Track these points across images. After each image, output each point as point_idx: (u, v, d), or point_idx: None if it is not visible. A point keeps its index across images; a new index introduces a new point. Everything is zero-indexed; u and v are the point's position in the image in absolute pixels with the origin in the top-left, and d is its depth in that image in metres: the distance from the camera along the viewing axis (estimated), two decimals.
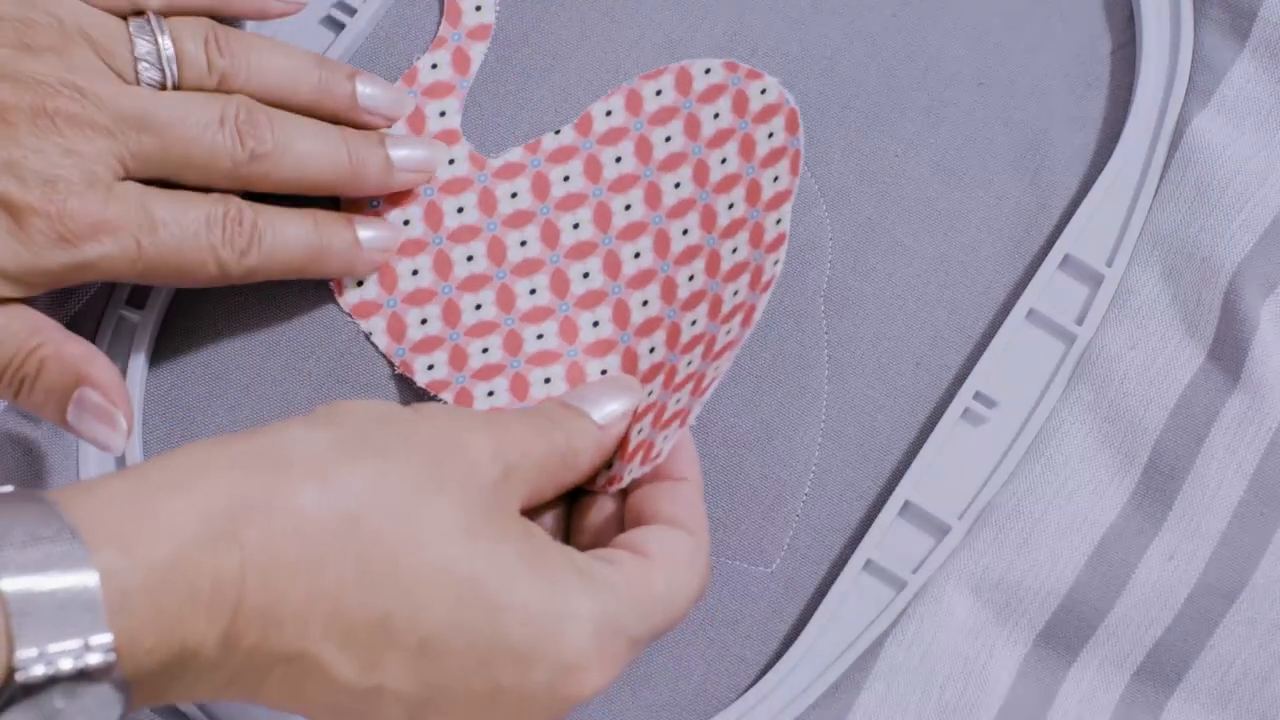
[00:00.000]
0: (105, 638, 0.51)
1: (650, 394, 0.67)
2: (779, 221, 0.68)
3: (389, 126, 0.71)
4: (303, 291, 0.71)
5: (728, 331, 0.67)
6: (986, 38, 0.73)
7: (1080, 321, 0.70)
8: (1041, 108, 0.73)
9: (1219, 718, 0.66)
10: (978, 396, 0.69)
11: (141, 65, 0.66)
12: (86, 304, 0.71)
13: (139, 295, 0.71)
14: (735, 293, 0.68)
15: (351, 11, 0.74)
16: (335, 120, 0.70)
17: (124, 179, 0.65)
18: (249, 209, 0.67)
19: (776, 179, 0.69)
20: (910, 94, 0.73)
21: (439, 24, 0.74)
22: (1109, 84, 0.73)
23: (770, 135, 0.69)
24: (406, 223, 0.71)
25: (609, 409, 0.65)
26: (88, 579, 0.51)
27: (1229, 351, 0.68)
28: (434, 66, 0.73)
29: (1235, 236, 0.69)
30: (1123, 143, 0.71)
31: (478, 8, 0.74)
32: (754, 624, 0.68)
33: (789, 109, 0.69)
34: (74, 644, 0.50)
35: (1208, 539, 0.67)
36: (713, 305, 0.68)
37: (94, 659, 0.51)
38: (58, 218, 0.63)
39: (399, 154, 0.70)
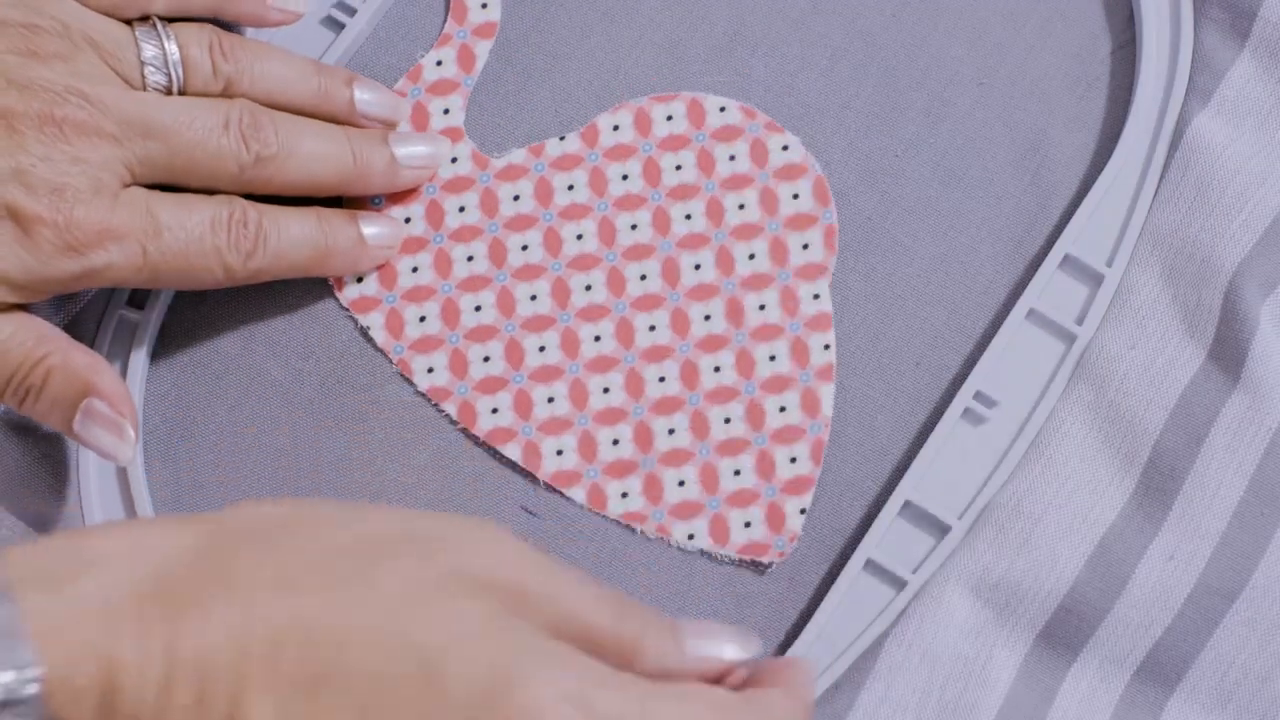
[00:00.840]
0: (29, 664, 0.50)
1: (672, 432, 0.68)
2: (817, 297, 0.69)
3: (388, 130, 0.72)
4: (303, 291, 0.71)
5: (781, 409, 0.68)
6: (986, 38, 0.73)
7: (1080, 321, 0.70)
8: (1041, 108, 0.73)
9: (1219, 718, 0.66)
10: (978, 396, 0.69)
11: (148, 70, 0.66)
12: (87, 305, 0.71)
13: (139, 295, 0.71)
14: (772, 358, 0.68)
15: (351, 11, 0.74)
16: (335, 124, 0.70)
17: (130, 185, 0.65)
18: (254, 210, 0.67)
19: (807, 247, 0.70)
20: (910, 94, 0.73)
21: (443, 22, 0.74)
22: (1109, 84, 0.73)
23: (795, 197, 0.70)
24: (408, 220, 0.71)
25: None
26: (12, 613, 0.51)
27: (1229, 351, 0.68)
28: (438, 64, 0.73)
29: (1235, 236, 0.69)
30: (1123, 143, 0.71)
31: (484, 5, 0.74)
32: (754, 624, 0.68)
33: (816, 175, 0.70)
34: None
35: (1208, 539, 0.67)
36: (740, 358, 0.69)
37: (10, 677, 0.50)
38: (65, 227, 0.63)
39: (403, 151, 0.70)
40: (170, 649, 0.51)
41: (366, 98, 0.70)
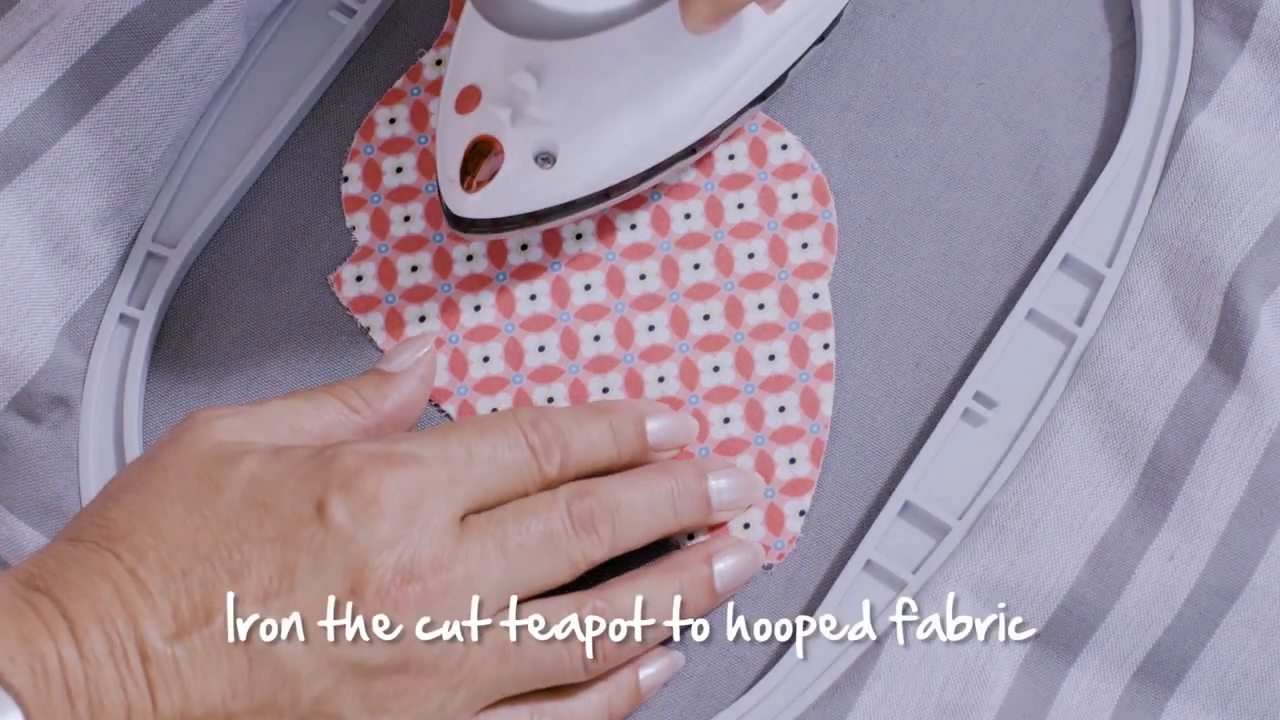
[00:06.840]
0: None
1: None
2: (816, 296, 0.69)
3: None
4: (302, 291, 0.71)
5: (781, 409, 0.68)
6: (986, 38, 0.73)
7: (1080, 321, 0.70)
8: (1041, 108, 0.73)
9: (1219, 718, 0.67)
10: (978, 396, 0.69)
11: None
12: (86, 304, 0.70)
13: (139, 295, 0.71)
14: (771, 357, 0.69)
15: (351, 12, 0.74)
16: None
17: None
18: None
19: (806, 246, 0.70)
20: (910, 94, 0.73)
21: (444, 20, 0.74)
22: (1109, 84, 0.73)
23: (794, 196, 0.70)
24: (408, 219, 0.71)
25: None
26: None
27: (1229, 352, 0.68)
28: (439, 62, 0.73)
29: (1235, 236, 0.69)
30: (1123, 143, 0.71)
31: None
32: (754, 624, 0.68)
33: (815, 175, 0.70)
34: None
35: (1208, 539, 0.67)
36: (740, 358, 0.69)
37: None
38: None
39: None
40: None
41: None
